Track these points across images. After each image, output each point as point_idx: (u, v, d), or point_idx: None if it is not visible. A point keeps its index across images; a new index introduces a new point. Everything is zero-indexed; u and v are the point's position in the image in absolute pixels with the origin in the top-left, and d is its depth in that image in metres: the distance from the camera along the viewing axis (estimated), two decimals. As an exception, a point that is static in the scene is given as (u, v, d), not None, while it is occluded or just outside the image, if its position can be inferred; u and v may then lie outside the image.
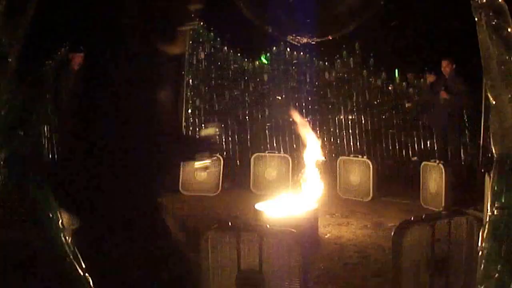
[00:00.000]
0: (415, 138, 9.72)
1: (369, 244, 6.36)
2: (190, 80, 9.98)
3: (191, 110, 9.98)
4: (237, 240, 4.30)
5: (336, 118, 10.28)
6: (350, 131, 10.18)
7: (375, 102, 10.11)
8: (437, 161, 7.90)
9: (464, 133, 9.38)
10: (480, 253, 2.71)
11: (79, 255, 2.82)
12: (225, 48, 10.25)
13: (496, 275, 2.57)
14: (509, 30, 2.93)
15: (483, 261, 2.66)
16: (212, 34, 10.15)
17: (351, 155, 9.00)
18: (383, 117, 10.09)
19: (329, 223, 7.18)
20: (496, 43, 2.90)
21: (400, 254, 4.75)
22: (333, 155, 9.86)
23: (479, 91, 9.13)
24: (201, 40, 10.07)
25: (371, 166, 8.38)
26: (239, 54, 10.34)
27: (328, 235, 6.71)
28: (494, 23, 2.94)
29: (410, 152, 9.84)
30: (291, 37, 7.95)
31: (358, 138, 10.13)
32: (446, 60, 8.96)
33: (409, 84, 9.95)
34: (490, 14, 2.95)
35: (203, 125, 10.12)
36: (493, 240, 2.63)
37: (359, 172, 8.53)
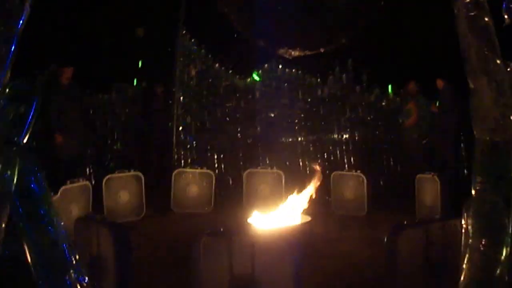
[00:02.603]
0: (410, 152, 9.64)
1: (363, 257, 6.24)
2: (181, 98, 9.89)
3: (182, 128, 9.88)
4: (229, 246, 4.21)
5: (330, 134, 10.20)
6: (344, 147, 10.10)
7: (369, 118, 10.06)
8: (432, 174, 7.82)
9: (458, 145, 9.36)
10: (465, 227, 2.74)
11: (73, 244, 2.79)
12: (217, 65, 10.20)
13: (481, 248, 2.58)
14: (486, 19, 3.06)
15: (469, 235, 2.68)
16: (203, 51, 10.10)
17: (345, 171, 8.90)
18: (377, 132, 10.04)
19: (323, 238, 7.06)
20: (474, 32, 2.99)
21: (394, 258, 4.67)
22: (327, 171, 9.76)
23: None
24: (192, 57, 10.02)
25: (365, 181, 8.27)
26: (230, 71, 10.28)
27: (322, 248, 6.58)
28: (472, 14, 3.06)
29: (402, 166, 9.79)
30: (283, 50, 7.98)
31: (351, 153, 10.05)
32: (439, 78, 9.02)
33: (402, 100, 9.91)
34: (468, 5, 3.04)
35: (194, 143, 10.05)
36: (478, 216, 2.66)
37: (353, 187, 8.42)
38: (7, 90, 2.82)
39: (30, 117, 2.81)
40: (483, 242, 2.60)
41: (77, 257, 2.70)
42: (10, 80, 2.88)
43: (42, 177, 2.75)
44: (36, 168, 2.72)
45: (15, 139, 2.72)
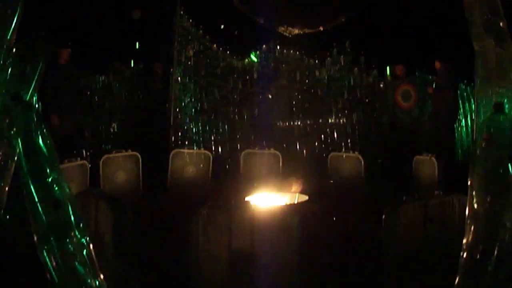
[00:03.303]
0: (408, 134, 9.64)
1: (361, 234, 6.26)
2: (179, 78, 9.82)
3: (179, 109, 9.82)
4: (229, 220, 4.21)
5: (327, 116, 10.19)
6: (341, 128, 10.08)
7: (366, 100, 10.05)
8: (429, 155, 7.82)
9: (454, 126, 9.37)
10: (470, 182, 2.74)
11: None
12: (214, 45, 10.13)
13: (486, 206, 2.59)
14: None
15: (474, 190, 2.68)
16: (201, 31, 10.03)
17: (342, 152, 8.89)
18: (374, 115, 10.03)
19: (320, 216, 7.05)
20: None
21: (393, 233, 4.67)
22: (324, 154, 9.75)
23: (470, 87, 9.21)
24: (190, 37, 9.94)
25: (362, 162, 8.26)
26: (228, 52, 10.22)
27: (319, 226, 6.57)
28: None
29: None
30: (283, 28, 7.89)
31: (349, 135, 10.03)
32: (437, 60, 9.00)
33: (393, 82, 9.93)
34: None
35: (191, 124, 10.01)
36: (483, 172, 2.66)
37: (350, 168, 8.40)
38: (14, 50, 2.84)
39: (36, 76, 2.84)
40: (488, 200, 2.60)
41: (80, 217, 2.69)
42: (15, 41, 2.91)
43: (48, 134, 2.75)
44: (42, 125, 2.73)
45: (22, 97, 2.74)
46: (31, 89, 2.81)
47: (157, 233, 5.86)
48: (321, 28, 7.20)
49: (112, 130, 10.48)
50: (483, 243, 2.60)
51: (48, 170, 2.70)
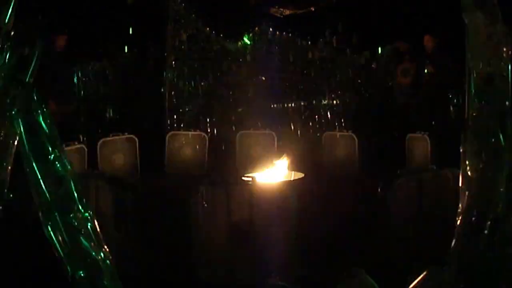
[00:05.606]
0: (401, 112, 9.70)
1: (356, 210, 6.33)
2: (173, 62, 9.85)
3: (174, 92, 9.85)
4: (228, 195, 4.28)
5: (321, 97, 10.25)
6: (335, 108, 10.15)
7: (359, 81, 10.09)
8: (422, 133, 7.88)
9: (449, 105, 9.41)
10: (463, 150, 2.78)
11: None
12: (207, 29, 10.15)
13: (480, 169, 2.64)
14: None
15: (467, 158, 2.72)
16: (193, 15, 10.04)
17: (336, 131, 8.96)
18: (367, 95, 10.09)
19: (315, 192, 7.13)
20: None
21: (388, 206, 4.75)
22: (318, 134, 9.82)
23: (462, 64, 9.21)
24: (183, 21, 9.96)
25: (356, 140, 8.33)
26: (221, 35, 10.25)
27: (315, 201, 6.65)
28: None
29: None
30: (274, 9, 7.95)
31: (342, 115, 10.10)
32: (428, 35, 8.96)
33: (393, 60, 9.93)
34: None
35: (186, 108, 10.06)
36: (475, 139, 2.70)
37: (344, 147, 8.48)
38: (12, 33, 2.86)
39: (35, 59, 2.86)
40: (480, 166, 2.65)
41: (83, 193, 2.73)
42: (14, 24, 2.93)
43: (49, 112, 2.78)
44: (43, 105, 2.76)
45: (21, 78, 2.76)
46: (30, 71, 2.84)
47: (156, 212, 5.91)
48: (312, 9, 7.24)
49: (108, 115, 10.51)
50: (477, 207, 2.66)
51: (50, 148, 2.73)
